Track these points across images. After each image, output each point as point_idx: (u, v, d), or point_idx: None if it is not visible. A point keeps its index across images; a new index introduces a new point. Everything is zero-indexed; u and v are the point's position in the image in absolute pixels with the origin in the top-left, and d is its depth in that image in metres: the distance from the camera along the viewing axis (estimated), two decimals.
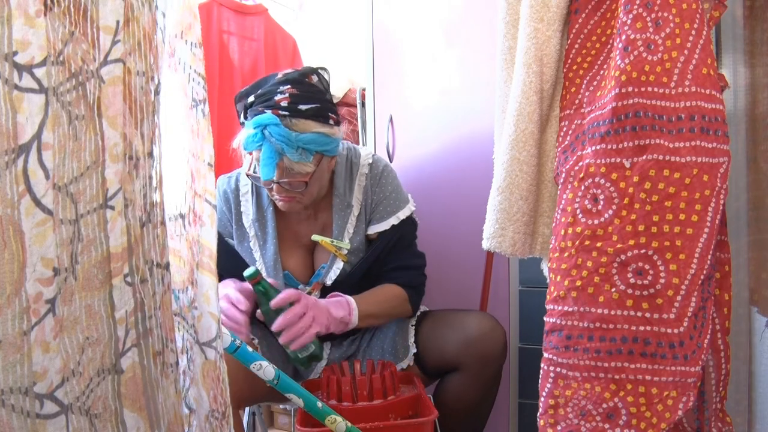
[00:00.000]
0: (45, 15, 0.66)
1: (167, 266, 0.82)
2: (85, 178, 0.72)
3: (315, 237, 1.30)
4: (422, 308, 1.46)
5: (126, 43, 0.75)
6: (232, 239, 1.36)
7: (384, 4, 1.77)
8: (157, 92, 0.79)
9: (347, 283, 1.34)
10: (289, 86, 1.19)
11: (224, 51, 1.68)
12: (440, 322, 1.34)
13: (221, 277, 1.30)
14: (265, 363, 0.94)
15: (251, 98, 1.21)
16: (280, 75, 1.23)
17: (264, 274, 1.25)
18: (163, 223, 0.81)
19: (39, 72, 0.66)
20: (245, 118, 1.23)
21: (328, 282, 1.35)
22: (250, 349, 0.94)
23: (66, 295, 0.70)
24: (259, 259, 1.33)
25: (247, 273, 1.17)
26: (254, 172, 1.21)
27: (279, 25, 1.83)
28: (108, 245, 0.74)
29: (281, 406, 1.37)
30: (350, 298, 1.27)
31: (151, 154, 0.79)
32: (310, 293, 1.32)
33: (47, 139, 0.67)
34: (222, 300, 1.17)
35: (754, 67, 1.20)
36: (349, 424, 1.03)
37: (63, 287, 0.70)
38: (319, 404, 1.01)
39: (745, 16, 1.21)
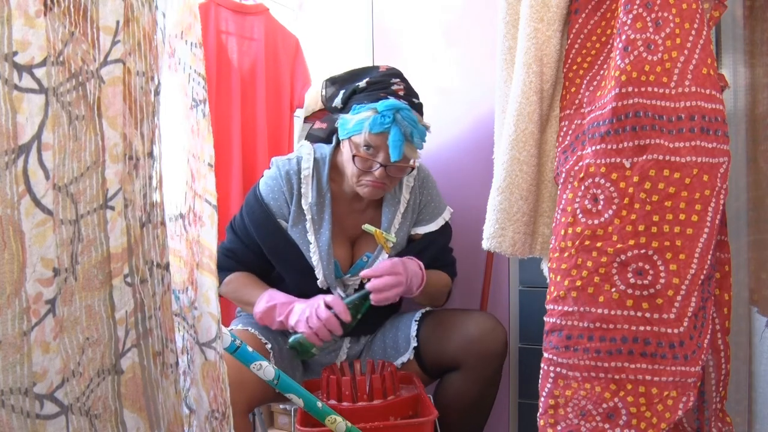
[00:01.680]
0: (45, 15, 0.66)
1: (167, 266, 0.82)
2: (85, 179, 0.72)
3: (366, 227, 1.29)
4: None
5: (126, 43, 0.75)
6: (286, 221, 1.35)
7: (384, 4, 1.77)
8: (157, 92, 0.79)
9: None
10: (398, 80, 1.29)
11: (222, 51, 1.68)
12: (441, 321, 1.34)
13: (245, 267, 1.37)
14: (265, 363, 0.94)
15: (363, 84, 1.29)
16: (381, 68, 1.33)
17: (316, 258, 1.31)
18: (163, 223, 0.80)
19: (39, 72, 0.66)
20: (349, 102, 1.31)
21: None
22: (250, 349, 0.94)
23: (66, 295, 0.70)
24: (314, 242, 1.33)
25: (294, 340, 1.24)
26: (361, 152, 1.26)
27: (280, 25, 1.83)
28: (108, 245, 0.74)
29: (281, 406, 1.37)
30: (425, 272, 1.33)
31: (151, 155, 0.79)
32: (348, 285, 1.37)
33: (47, 139, 0.67)
34: (320, 309, 1.22)
35: (754, 67, 1.20)
36: (349, 424, 1.03)
37: (63, 287, 0.70)
38: (319, 404, 1.01)
39: (745, 16, 1.21)
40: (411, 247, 1.41)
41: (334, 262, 1.34)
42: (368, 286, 1.24)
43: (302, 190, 1.34)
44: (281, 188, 1.34)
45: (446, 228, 1.45)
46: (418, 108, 1.30)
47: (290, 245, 1.34)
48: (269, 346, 1.29)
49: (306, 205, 1.34)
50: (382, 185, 1.29)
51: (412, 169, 1.32)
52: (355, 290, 1.35)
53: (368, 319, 1.33)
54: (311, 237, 1.34)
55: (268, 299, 1.28)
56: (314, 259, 1.32)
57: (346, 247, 1.40)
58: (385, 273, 1.23)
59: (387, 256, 1.34)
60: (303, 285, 1.33)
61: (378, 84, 1.28)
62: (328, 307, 1.22)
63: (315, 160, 1.36)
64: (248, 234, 1.35)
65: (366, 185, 1.29)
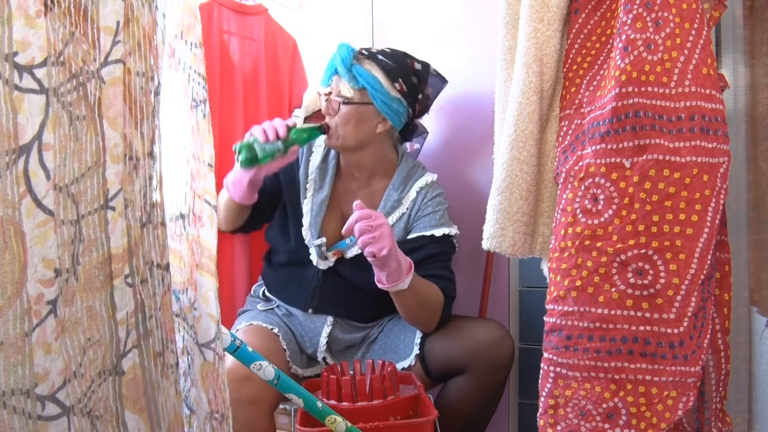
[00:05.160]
0: (45, 15, 0.66)
1: (167, 267, 0.82)
2: (86, 179, 0.72)
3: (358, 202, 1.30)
4: None
5: (126, 43, 0.75)
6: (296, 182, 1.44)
7: (384, 4, 1.77)
8: (157, 93, 0.79)
9: (366, 265, 1.30)
10: (389, 50, 1.37)
11: (225, 51, 1.68)
12: (449, 327, 1.33)
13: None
14: (265, 363, 0.94)
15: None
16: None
17: (307, 222, 1.39)
18: (163, 223, 0.80)
19: (39, 72, 0.66)
20: None
21: (349, 254, 1.37)
22: (250, 349, 0.94)
23: (67, 296, 0.70)
24: (309, 200, 1.41)
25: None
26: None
27: (279, 26, 1.83)
28: (109, 246, 0.74)
29: (281, 406, 1.37)
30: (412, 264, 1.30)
31: (151, 155, 0.79)
32: (326, 258, 1.38)
33: (48, 139, 0.67)
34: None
35: (754, 67, 1.20)
36: (349, 424, 1.03)
37: (64, 288, 0.70)
38: (319, 404, 1.01)
39: (745, 16, 1.21)
40: (401, 244, 1.36)
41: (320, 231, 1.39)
42: (355, 206, 1.20)
43: (311, 157, 1.46)
44: (304, 148, 1.45)
45: (445, 239, 1.38)
46: (379, 63, 1.33)
47: (296, 196, 1.43)
48: (275, 330, 1.33)
49: (312, 167, 1.44)
50: (328, 127, 1.36)
51: (344, 103, 1.33)
52: (330, 267, 1.38)
53: (362, 309, 1.37)
54: (309, 193, 1.41)
55: (235, 180, 1.34)
56: (305, 210, 1.40)
57: (336, 222, 1.41)
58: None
59: None
60: (293, 234, 1.40)
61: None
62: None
63: None
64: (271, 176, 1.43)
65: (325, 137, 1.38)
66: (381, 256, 1.17)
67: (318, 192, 1.41)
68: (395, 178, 1.42)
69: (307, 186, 1.43)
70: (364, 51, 1.35)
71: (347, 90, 1.33)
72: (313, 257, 1.37)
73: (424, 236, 1.37)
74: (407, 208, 1.40)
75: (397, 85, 1.33)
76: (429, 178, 1.43)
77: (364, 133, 1.36)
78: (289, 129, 1.28)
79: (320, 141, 1.45)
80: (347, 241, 1.36)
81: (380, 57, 1.34)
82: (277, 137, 1.26)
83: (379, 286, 1.25)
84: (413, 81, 1.36)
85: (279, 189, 1.45)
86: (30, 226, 0.66)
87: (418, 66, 1.38)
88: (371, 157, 1.41)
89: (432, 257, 1.36)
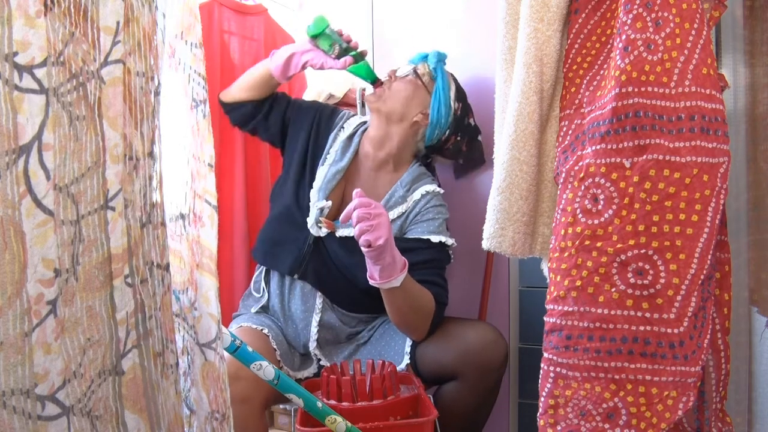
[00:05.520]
0: (45, 15, 0.66)
1: (167, 267, 0.82)
2: (86, 179, 0.72)
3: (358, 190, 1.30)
4: None
5: (126, 43, 0.75)
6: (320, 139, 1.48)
7: (384, 4, 1.77)
8: (157, 93, 0.79)
9: (352, 250, 1.31)
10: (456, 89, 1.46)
11: (225, 51, 1.68)
12: (440, 330, 1.32)
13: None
14: (265, 363, 0.94)
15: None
16: None
17: (317, 185, 1.40)
18: (163, 223, 0.80)
19: (39, 72, 0.66)
20: None
21: (340, 233, 1.36)
22: (250, 349, 0.94)
23: (67, 296, 0.70)
24: (326, 167, 1.43)
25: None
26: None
27: (279, 26, 1.83)
28: (109, 246, 0.74)
29: (281, 406, 1.37)
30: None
31: (151, 155, 0.79)
32: (320, 227, 1.38)
33: (48, 139, 0.67)
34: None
35: (754, 67, 1.20)
36: (349, 424, 1.03)
37: (64, 288, 0.70)
38: (319, 404, 1.01)
39: (745, 16, 1.21)
40: (396, 242, 1.34)
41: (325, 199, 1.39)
42: (355, 193, 1.20)
43: (341, 132, 1.48)
44: (342, 119, 1.51)
45: (441, 247, 1.37)
46: (454, 78, 1.48)
47: (313, 153, 1.46)
48: (265, 331, 1.33)
49: (342, 137, 1.47)
50: (380, 95, 1.42)
51: (415, 73, 1.43)
52: (321, 238, 1.38)
53: (348, 300, 1.38)
54: (330, 158, 1.44)
55: (281, 53, 1.41)
56: (319, 174, 1.41)
57: (339, 197, 1.43)
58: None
59: None
60: (300, 193, 1.43)
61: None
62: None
63: (361, 122, 1.51)
64: (300, 113, 1.51)
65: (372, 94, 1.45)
66: (377, 246, 1.15)
67: (336, 162, 1.43)
68: (405, 176, 1.43)
69: (328, 155, 1.44)
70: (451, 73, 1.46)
71: (425, 70, 1.43)
72: (311, 220, 1.37)
73: (420, 239, 1.36)
74: (408, 208, 1.39)
75: (456, 104, 1.42)
76: (435, 187, 1.43)
77: (404, 108, 1.41)
78: (358, 52, 1.37)
79: (354, 121, 1.50)
80: (339, 221, 1.34)
81: (458, 82, 1.46)
82: (348, 42, 1.36)
83: (371, 282, 1.22)
84: (466, 117, 1.46)
85: (295, 138, 1.48)
86: (30, 226, 0.66)
87: (472, 121, 1.48)
88: (393, 140, 1.43)
89: (427, 263, 1.34)
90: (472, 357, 1.24)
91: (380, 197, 1.41)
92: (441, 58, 1.45)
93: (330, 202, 1.38)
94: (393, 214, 1.38)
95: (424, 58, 1.46)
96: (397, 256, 1.21)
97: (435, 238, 1.36)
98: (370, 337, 1.43)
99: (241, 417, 1.15)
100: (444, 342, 1.29)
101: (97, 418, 0.74)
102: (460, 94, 1.45)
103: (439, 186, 1.46)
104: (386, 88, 1.42)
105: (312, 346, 1.38)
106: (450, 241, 1.38)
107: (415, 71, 1.43)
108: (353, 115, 1.54)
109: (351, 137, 1.48)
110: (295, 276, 1.38)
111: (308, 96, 1.88)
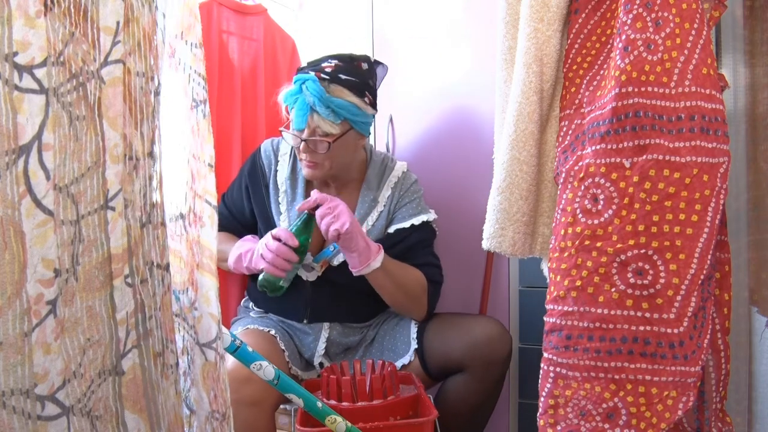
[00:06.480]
0: (45, 16, 0.66)
1: (167, 267, 0.82)
2: (86, 179, 0.71)
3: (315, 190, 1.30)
4: None
5: (126, 43, 0.75)
6: (268, 189, 1.42)
7: (384, 4, 1.77)
8: (157, 93, 0.79)
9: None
10: (336, 60, 1.29)
11: (224, 51, 1.68)
12: (447, 324, 1.34)
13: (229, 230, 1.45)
14: (265, 363, 0.94)
15: (303, 65, 1.32)
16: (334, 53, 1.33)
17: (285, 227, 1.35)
18: (163, 223, 0.80)
19: (39, 73, 0.66)
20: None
21: (335, 262, 1.36)
22: (250, 349, 0.94)
23: (67, 296, 0.70)
24: (284, 213, 1.39)
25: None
26: (288, 128, 1.30)
27: (278, 26, 1.83)
28: (109, 246, 0.74)
29: (281, 406, 1.37)
30: (389, 259, 1.31)
31: (151, 155, 0.79)
32: (313, 270, 1.37)
33: (48, 139, 0.67)
34: (269, 243, 1.24)
35: (754, 67, 1.20)
36: (349, 424, 1.03)
37: (64, 288, 0.70)
38: (319, 404, 1.01)
39: (745, 16, 1.21)
40: (382, 241, 1.37)
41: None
42: (312, 193, 1.24)
43: (278, 167, 1.42)
44: (261, 164, 1.43)
45: (424, 226, 1.40)
46: (346, 83, 1.26)
47: (268, 211, 1.41)
48: (273, 332, 1.33)
49: (281, 179, 1.41)
50: (313, 164, 1.31)
51: (333, 142, 1.26)
52: (318, 277, 1.37)
53: (356, 310, 1.38)
54: (282, 207, 1.39)
55: (237, 248, 1.36)
56: (284, 223, 1.37)
57: (317, 231, 1.37)
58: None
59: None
60: None
61: (311, 63, 1.30)
62: (277, 239, 1.23)
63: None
64: (238, 201, 1.44)
65: (303, 164, 1.34)
66: (345, 231, 1.19)
67: (292, 204, 1.39)
68: (369, 177, 1.42)
69: (280, 200, 1.40)
70: (322, 75, 1.25)
71: (330, 126, 1.26)
72: (301, 272, 1.36)
73: (404, 228, 1.38)
74: (384, 206, 1.40)
75: (366, 99, 1.30)
76: (400, 169, 1.43)
77: (349, 157, 1.37)
78: (293, 248, 1.22)
79: (285, 149, 1.42)
80: (331, 248, 1.36)
81: (342, 76, 1.26)
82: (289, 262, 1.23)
83: (354, 272, 1.27)
84: (371, 84, 1.33)
85: (251, 213, 1.44)
86: (30, 226, 0.66)
87: (365, 65, 1.32)
88: (348, 169, 1.40)
89: (414, 247, 1.38)
90: (480, 350, 1.26)
91: (354, 208, 1.39)
92: (320, 92, 1.23)
93: (308, 254, 1.34)
94: (371, 218, 1.39)
95: (309, 110, 1.25)
96: (368, 240, 1.27)
97: (417, 221, 1.38)
98: (375, 335, 1.44)
99: (251, 420, 1.15)
100: (451, 335, 1.31)
101: (97, 418, 0.74)
102: (358, 85, 1.27)
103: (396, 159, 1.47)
104: (320, 161, 1.30)
105: (317, 361, 1.38)
106: (432, 217, 1.41)
107: (329, 137, 1.26)
108: (278, 142, 1.44)
109: (293, 171, 1.41)
110: (305, 321, 1.38)
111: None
